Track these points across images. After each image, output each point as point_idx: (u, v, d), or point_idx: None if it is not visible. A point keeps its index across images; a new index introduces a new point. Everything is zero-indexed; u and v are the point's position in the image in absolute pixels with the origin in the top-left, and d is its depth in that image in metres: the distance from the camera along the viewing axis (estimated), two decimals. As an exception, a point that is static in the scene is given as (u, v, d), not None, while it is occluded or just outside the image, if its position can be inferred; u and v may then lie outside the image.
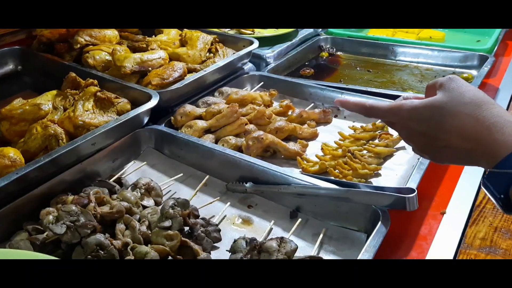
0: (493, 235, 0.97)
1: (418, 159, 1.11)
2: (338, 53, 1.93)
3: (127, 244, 0.88)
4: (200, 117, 1.31)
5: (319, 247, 0.93)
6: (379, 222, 0.89)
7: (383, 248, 0.86)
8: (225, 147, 1.20)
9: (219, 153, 1.14)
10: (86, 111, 1.12)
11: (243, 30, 1.85)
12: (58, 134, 1.05)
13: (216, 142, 1.25)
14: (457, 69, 1.72)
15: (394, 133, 1.28)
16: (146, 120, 1.23)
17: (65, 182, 1.05)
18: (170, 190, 1.12)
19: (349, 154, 1.18)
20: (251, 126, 1.29)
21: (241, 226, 1.01)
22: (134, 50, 1.51)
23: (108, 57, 1.41)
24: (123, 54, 1.35)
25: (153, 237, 0.90)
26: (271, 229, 0.99)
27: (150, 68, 1.36)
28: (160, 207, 0.98)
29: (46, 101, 1.19)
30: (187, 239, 0.90)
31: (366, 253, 0.84)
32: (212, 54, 1.58)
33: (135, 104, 1.25)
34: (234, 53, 1.57)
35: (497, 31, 1.90)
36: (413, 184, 1.00)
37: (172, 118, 1.29)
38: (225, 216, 1.03)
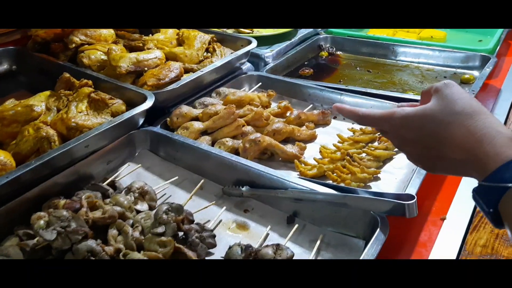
0: (494, 242, 0.95)
1: (418, 163, 1.08)
2: (338, 52, 1.91)
3: (119, 251, 0.86)
4: (196, 119, 1.28)
5: (316, 254, 0.91)
6: (378, 229, 0.87)
7: (382, 255, 0.83)
8: (222, 150, 1.18)
9: (215, 155, 1.11)
10: (80, 112, 1.10)
11: (241, 29, 1.83)
12: (50, 136, 1.03)
13: (212, 144, 1.23)
14: (459, 70, 1.70)
15: (394, 136, 1.26)
16: (141, 121, 1.21)
17: (58, 185, 1.03)
18: (165, 194, 1.09)
19: (348, 157, 1.16)
20: (248, 128, 1.27)
21: (236, 231, 0.99)
22: (130, 49, 1.49)
23: (104, 57, 1.39)
24: (118, 54, 1.33)
25: (146, 244, 0.88)
26: (267, 235, 0.97)
27: (146, 68, 1.34)
28: (154, 211, 0.95)
29: (39, 102, 1.17)
30: (181, 245, 0.87)
31: (364, 261, 0.82)
32: (209, 54, 1.56)
33: (130, 105, 1.23)
34: (232, 53, 1.55)
35: (499, 30, 1.88)
36: (412, 189, 0.98)
37: (168, 119, 1.27)
38: (220, 220, 1.01)
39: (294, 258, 0.86)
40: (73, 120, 1.07)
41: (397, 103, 1.28)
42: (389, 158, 1.20)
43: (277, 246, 0.86)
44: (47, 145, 1.03)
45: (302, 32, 1.89)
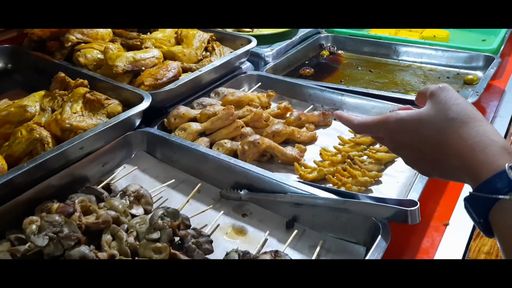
0: (498, 250, 0.92)
1: (421, 166, 1.06)
2: (339, 51, 1.88)
3: (113, 257, 0.84)
4: (194, 119, 1.26)
5: (316, 261, 0.89)
6: (379, 236, 0.85)
7: (383, 263, 0.81)
8: (220, 152, 1.15)
9: (213, 158, 1.09)
10: (74, 113, 1.07)
11: (241, 28, 1.80)
12: (43, 138, 1.00)
13: (211, 146, 1.20)
14: (462, 70, 1.67)
15: (396, 138, 1.23)
16: (138, 122, 1.18)
17: (52, 188, 1.00)
18: (161, 197, 1.07)
19: (349, 160, 1.13)
20: (247, 129, 1.24)
21: (234, 236, 0.97)
22: (128, 48, 1.46)
23: (100, 56, 1.36)
24: (115, 53, 1.31)
25: (140, 250, 0.85)
26: (266, 240, 0.95)
27: (143, 68, 1.32)
28: (149, 215, 0.93)
29: (33, 102, 1.14)
30: (176, 252, 0.85)
31: (365, 269, 0.79)
32: (208, 53, 1.54)
33: (127, 105, 1.20)
34: (231, 52, 1.52)
35: (503, 30, 1.85)
36: (415, 194, 0.96)
37: (165, 120, 1.25)
38: (218, 225, 0.99)
39: (293, 265, 0.83)
40: (67, 121, 1.04)
41: (398, 104, 1.29)
42: (391, 161, 1.18)
43: (276, 253, 0.83)
44: (40, 147, 1.00)
45: (303, 30, 1.86)
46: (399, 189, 1.08)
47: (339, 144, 1.24)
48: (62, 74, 1.22)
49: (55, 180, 1.01)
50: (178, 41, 1.53)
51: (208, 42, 1.55)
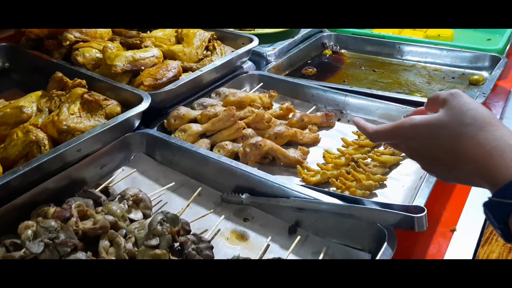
0: (507, 256, 0.90)
1: (427, 170, 1.03)
2: (342, 51, 1.85)
3: (111, 264, 0.81)
4: (195, 120, 1.23)
5: (319, 268, 0.86)
6: (385, 243, 0.82)
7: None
8: (221, 154, 1.13)
9: (213, 161, 1.06)
10: (72, 114, 1.05)
11: (242, 27, 1.77)
12: (39, 140, 0.97)
13: (211, 148, 1.18)
14: (467, 70, 1.64)
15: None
16: (137, 123, 1.16)
17: (48, 191, 0.98)
18: (161, 200, 1.05)
19: (353, 163, 1.11)
20: (249, 131, 1.21)
21: (235, 242, 0.94)
22: (127, 46, 1.44)
23: (99, 55, 1.34)
24: (114, 52, 1.28)
25: (139, 256, 0.83)
26: (268, 246, 0.92)
27: (142, 67, 1.29)
28: (148, 220, 0.91)
29: (30, 102, 1.11)
30: (176, 258, 0.83)
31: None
32: (209, 52, 1.51)
33: (126, 106, 1.18)
34: (232, 51, 1.49)
35: (509, 29, 1.82)
36: (421, 200, 0.93)
37: (165, 121, 1.22)
38: (219, 230, 0.96)
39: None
40: (64, 122, 1.01)
41: (402, 105, 1.27)
42: (396, 164, 1.15)
43: (278, 261, 0.81)
44: (36, 149, 0.97)
45: (305, 29, 1.83)
46: (405, 193, 1.05)
47: (343, 146, 1.21)
48: (60, 74, 1.19)
49: (51, 183, 0.98)
50: (179, 40, 1.51)
51: (209, 41, 1.53)
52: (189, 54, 1.43)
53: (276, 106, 1.37)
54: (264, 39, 1.66)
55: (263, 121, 1.23)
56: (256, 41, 1.50)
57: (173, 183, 1.06)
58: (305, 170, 1.11)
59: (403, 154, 1.17)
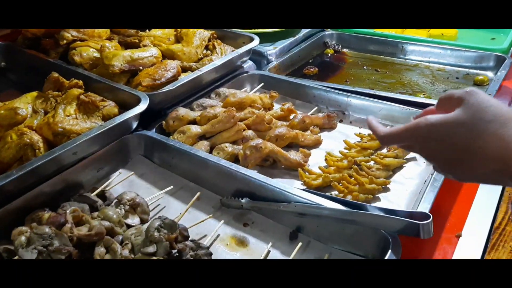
0: (515, 264, 0.87)
1: (432, 174, 1.01)
2: (344, 50, 1.82)
3: (107, 272, 0.78)
4: (194, 122, 1.21)
5: (321, 276, 0.84)
6: (389, 251, 0.80)
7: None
8: (221, 156, 1.10)
9: (213, 164, 1.04)
10: (68, 116, 1.02)
11: (243, 25, 1.74)
12: (34, 143, 0.95)
13: (211, 150, 1.15)
14: (471, 70, 1.61)
15: (405, 142, 1.18)
16: (135, 125, 1.13)
17: (44, 195, 0.95)
18: (159, 204, 1.02)
19: (355, 166, 1.08)
20: (249, 132, 1.19)
21: (235, 248, 0.92)
22: (126, 45, 1.41)
23: (96, 54, 1.31)
24: (111, 52, 1.25)
25: (135, 264, 0.81)
26: (268, 252, 0.90)
27: (141, 67, 1.26)
28: (145, 225, 0.88)
29: (25, 103, 1.09)
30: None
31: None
32: (209, 52, 1.48)
33: (123, 107, 1.15)
34: (233, 51, 1.46)
35: (514, 29, 1.79)
36: (426, 205, 0.90)
37: (163, 122, 1.19)
38: (218, 235, 0.94)
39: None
40: (60, 124, 0.99)
41: (405, 107, 1.24)
42: (399, 167, 1.12)
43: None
44: (31, 152, 0.95)
45: (307, 28, 1.81)
46: (409, 197, 1.02)
47: (345, 148, 1.19)
48: (56, 74, 1.17)
49: (47, 187, 0.96)
50: (178, 39, 1.48)
51: (209, 40, 1.50)
52: (188, 53, 1.41)
53: (277, 107, 1.34)
54: (265, 38, 1.63)
55: (264, 122, 1.20)
56: (257, 40, 1.48)
57: (172, 187, 1.03)
58: (307, 173, 1.09)
59: (407, 157, 1.15)
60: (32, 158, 0.94)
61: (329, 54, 1.79)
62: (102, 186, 1.01)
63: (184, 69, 1.37)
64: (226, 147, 1.14)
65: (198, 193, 0.98)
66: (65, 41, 1.33)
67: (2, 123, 1.03)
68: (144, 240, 0.83)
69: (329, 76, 1.63)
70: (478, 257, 0.89)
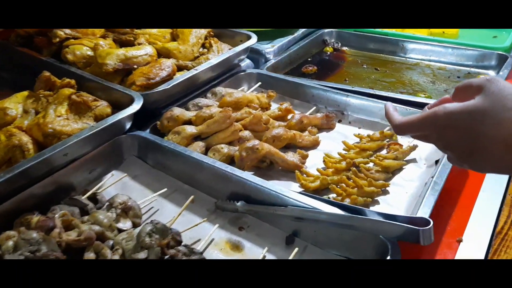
0: (517, 269, 0.85)
1: (432, 176, 0.98)
2: (344, 48, 1.79)
3: (96, 278, 0.76)
4: (189, 122, 1.18)
5: (318, 282, 0.81)
6: (388, 258, 0.77)
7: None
8: (216, 158, 1.08)
9: (208, 166, 1.01)
10: (58, 116, 0.99)
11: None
12: (23, 145, 0.92)
13: (206, 151, 1.12)
14: (473, 69, 1.58)
15: (404, 144, 1.15)
16: (128, 125, 1.10)
17: (33, 198, 0.93)
18: (152, 207, 1.00)
19: (354, 168, 1.05)
20: (246, 133, 1.16)
21: (229, 253, 0.89)
22: (120, 43, 1.38)
23: (90, 52, 1.28)
24: (105, 50, 1.22)
25: (126, 270, 0.78)
26: (264, 257, 0.87)
27: (135, 66, 1.23)
28: (137, 230, 0.86)
29: (16, 103, 1.06)
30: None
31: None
32: (205, 50, 1.45)
33: (117, 107, 1.12)
34: (230, 49, 1.44)
35: (516, 27, 1.76)
36: (426, 209, 0.88)
37: (158, 122, 1.17)
38: (212, 240, 0.92)
39: None
40: (50, 125, 0.96)
41: (406, 107, 1.22)
42: (399, 169, 1.10)
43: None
44: (19, 154, 0.92)
45: (306, 26, 1.78)
46: (409, 201, 1.00)
47: (344, 149, 1.16)
48: (47, 73, 1.14)
49: (36, 189, 0.93)
50: (174, 37, 1.45)
51: (206, 38, 1.47)
52: (184, 52, 1.38)
53: (274, 107, 1.32)
54: (263, 36, 1.60)
55: (261, 123, 1.18)
56: (254, 38, 1.45)
57: (166, 189, 1.01)
58: (304, 176, 1.06)
59: (407, 159, 1.12)
60: (21, 160, 0.91)
61: (328, 52, 1.76)
62: (94, 188, 0.99)
63: (180, 68, 1.34)
64: (221, 148, 1.11)
65: (192, 196, 0.96)
66: (58, 39, 1.30)
67: (-9, 124, 1.00)
68: (135, 246, 0.81)
69: (328, 74, 1.60)
70: (480, 262, 0.87)
